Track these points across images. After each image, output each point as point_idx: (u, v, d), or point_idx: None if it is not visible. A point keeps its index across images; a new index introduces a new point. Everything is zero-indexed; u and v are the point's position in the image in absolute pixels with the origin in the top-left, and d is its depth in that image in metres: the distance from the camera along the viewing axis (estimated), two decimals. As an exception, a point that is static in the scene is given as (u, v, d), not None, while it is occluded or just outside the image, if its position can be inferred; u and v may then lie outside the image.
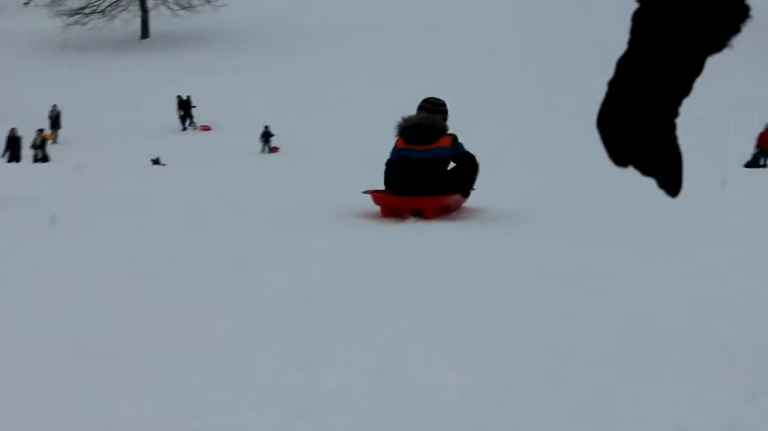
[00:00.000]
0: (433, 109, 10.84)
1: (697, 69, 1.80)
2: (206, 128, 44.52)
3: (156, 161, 32.17)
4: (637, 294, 4.99)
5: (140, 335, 4.13)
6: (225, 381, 3.50)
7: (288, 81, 49.07)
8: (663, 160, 1.83)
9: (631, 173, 1.93)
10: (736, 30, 1.78)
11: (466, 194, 10.69)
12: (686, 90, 1.83)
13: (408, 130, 10.59)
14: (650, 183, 1.89)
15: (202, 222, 8.49)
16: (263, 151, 38.78)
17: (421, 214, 10.16)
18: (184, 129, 44.96)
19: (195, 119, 45.65)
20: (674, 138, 1.85)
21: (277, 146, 38.69)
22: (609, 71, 1.87)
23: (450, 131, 10.68)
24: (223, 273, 5.72)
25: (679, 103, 1.83)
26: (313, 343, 3.99)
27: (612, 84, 1.85)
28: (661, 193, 1.86)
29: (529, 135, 36.20)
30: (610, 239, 7.48)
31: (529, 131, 37.16)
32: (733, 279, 5.42)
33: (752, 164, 30.62)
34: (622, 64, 1.84)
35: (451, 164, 10.58)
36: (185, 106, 45.46)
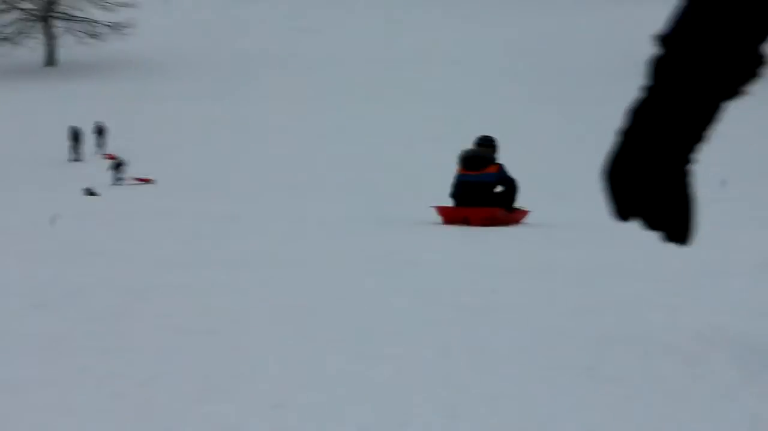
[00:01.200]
0: (484, 144, 14.99)
1: (712, 116, 1.79)
2: (111, 157, 44.09)
3: (90, 192, 31.67)
4: (539, 324, 5.00)
5: (36, 367, 4.04)
6: (121, 416, 3.43)
7: (194, 110, 48.73)
8: (675, 210, 1.80)
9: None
10: (753, 76, 1.78)
11: (509, 210, 14.49)
12: (701, 137, 1.81)
13: (464, 160, 14.76)
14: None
15: (102, 252, 8.37)
16: (114, 182, 37.99)
17: (469, 221, 13.97)
18: (76, 160, 44.44)
19: (104, 148, 45.24)
20: (688, 186, 1.83)
21: (150, 177, 37.77)
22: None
23: (498, 161, 14.74)
24: (123, 305, 5.63)
25: (693, 151, 1.81)
26: (211, 376, 3.93)
27: (624, 133, 1.82)
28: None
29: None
30: (516, 272, 7.52)
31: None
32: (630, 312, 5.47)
33: None
34: (636, 112, 1.81)
35: (500, 188, 14.51)
36: (77, 137, 45.00)
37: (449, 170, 14.78)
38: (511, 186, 14.65)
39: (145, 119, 47.88)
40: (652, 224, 1.82)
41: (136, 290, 6.18)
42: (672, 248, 1.93)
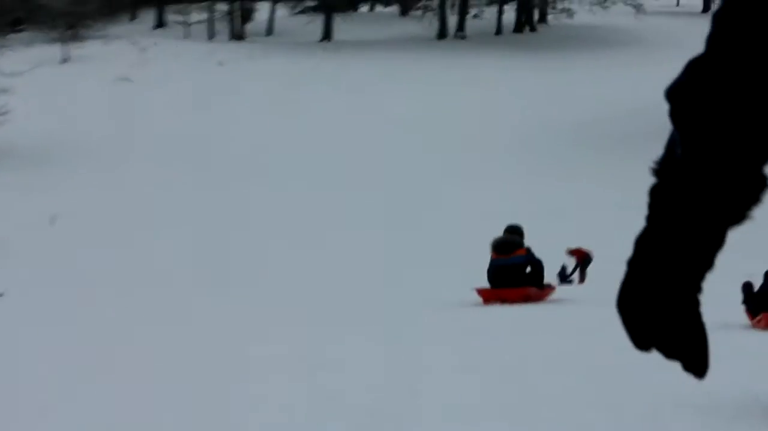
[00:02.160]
0: (513, 231, 17.58)
1: (718, 242, 1.78)
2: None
3: None
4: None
5: None
6: None
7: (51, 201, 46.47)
8: (687, 341, 1.79)
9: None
10: (757, 201, 1.76)
11: (541, 287, 17.12)
12: (709, 264, 1.80)
13: (496, 246, 17.18)
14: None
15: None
16: None
17: (506, 302, 16.06)
18: None
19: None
20: (699, 316, 1.81)
21: None
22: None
23: (526, 245, 17.24)
24: None
25: (702, 278, 1.80)
26: None
27: (631, 263, 1.83)
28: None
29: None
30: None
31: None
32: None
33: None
34: (641, 242, 1.82)
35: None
36: None
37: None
38: (538, 267, 17.01)
39: (19, 213, 45.74)
40: (666, 354, 1.81)
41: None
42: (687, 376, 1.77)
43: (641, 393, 6.12)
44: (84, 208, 44.68)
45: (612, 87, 54.45)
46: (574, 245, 25.93)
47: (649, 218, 1.78)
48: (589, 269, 25.25)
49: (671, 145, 1.74)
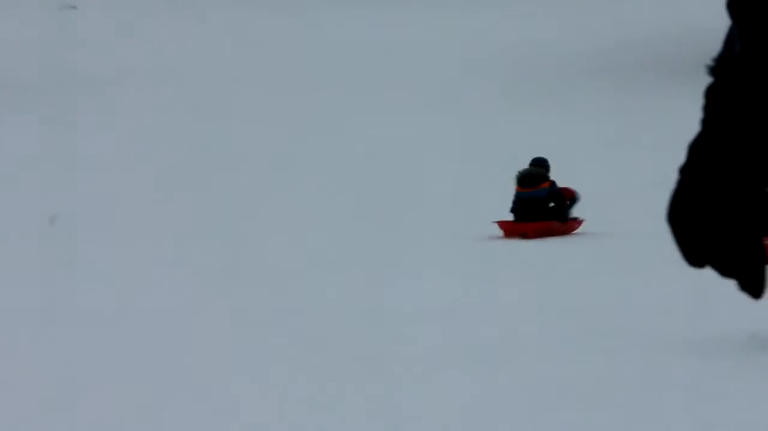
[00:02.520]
0: (537, 164, 17.64)
1: None
2: None
3: None
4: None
5: None
6: None
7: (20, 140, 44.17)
8: (744, 258, 1.65)
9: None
10: None
11: (563, 221, 17.06)
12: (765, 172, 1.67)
13: (520, 179, 17.20)
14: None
15: None
16: None
17: (526, 235, 16.08)
18: None
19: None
20: (755, 231, 1.67)
21: None
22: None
23: (551, 179, 17.22)
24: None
25: (762, 188, 1.67)
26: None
27: (684, 170, 1.72)
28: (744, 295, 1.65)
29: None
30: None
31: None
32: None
33: None
34: (696, 147, 1.71)
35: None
36: None
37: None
38: (561, 200, 17.20)
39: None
40: (723, 271, 1.67)
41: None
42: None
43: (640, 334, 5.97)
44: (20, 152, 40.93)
45: (605, 17, 50.92)
46: (561, 185, 24.16)
47: (705, 121, 1.69)
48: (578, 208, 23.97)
49: (729, 41, 1.67)
